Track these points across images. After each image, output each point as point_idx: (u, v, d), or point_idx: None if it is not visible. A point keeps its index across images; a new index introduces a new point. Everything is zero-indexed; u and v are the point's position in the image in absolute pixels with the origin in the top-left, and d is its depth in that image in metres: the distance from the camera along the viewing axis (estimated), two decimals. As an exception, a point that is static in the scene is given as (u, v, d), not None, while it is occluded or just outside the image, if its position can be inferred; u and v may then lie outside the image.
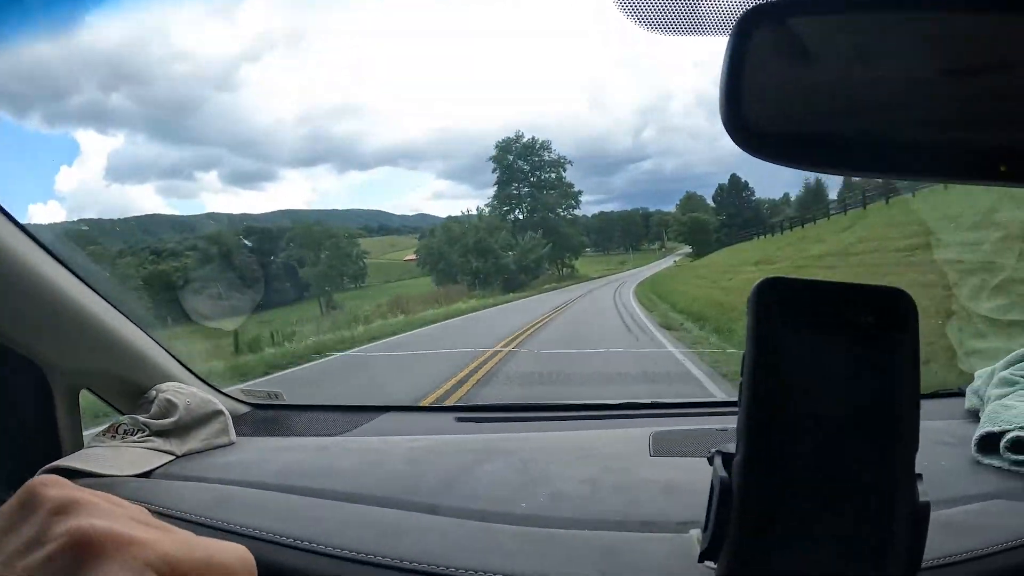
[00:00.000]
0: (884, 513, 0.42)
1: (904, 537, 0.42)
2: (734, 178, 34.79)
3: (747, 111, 0.38)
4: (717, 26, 0.46)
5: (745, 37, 0.39)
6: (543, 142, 36.59)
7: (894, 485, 0.42)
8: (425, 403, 4.39)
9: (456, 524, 0.72)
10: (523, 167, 36.21)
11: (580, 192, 36.54)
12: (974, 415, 1.02)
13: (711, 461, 0.49)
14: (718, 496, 0.43)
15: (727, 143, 0.38)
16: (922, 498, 0.43)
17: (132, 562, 0.24)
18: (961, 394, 1.11)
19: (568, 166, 35.98)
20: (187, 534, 0.28)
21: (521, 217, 34.18)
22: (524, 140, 36.73)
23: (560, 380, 5.39)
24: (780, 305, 0.42)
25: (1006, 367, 1.05)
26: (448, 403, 4.34)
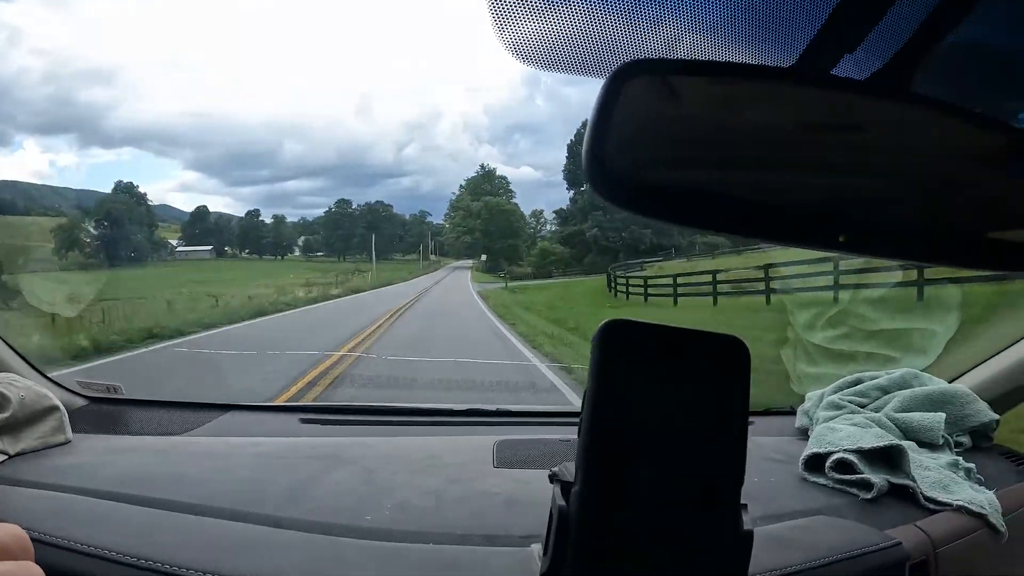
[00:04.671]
0: (711, 540, 0.45)
1: (728, 563, 0.45)
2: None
3: (608, 157, 0.40)
4: (592, 69, 0.48)
5: (617, 84, 0.40)
6: None
7: (720, 514, 0.45)
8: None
9: (302, 539, 0.71)
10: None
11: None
12: (803, 433, 1.14)
13: (552, 479, 0.50)
14: (556, 524, 0.45)
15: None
16: (747, 526, 0.46)
17: None
18: (792, 413, 1.24)
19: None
20: None
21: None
22: None
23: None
24: (624, 346, 0.44)
25: (835, 391, 1.18)
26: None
